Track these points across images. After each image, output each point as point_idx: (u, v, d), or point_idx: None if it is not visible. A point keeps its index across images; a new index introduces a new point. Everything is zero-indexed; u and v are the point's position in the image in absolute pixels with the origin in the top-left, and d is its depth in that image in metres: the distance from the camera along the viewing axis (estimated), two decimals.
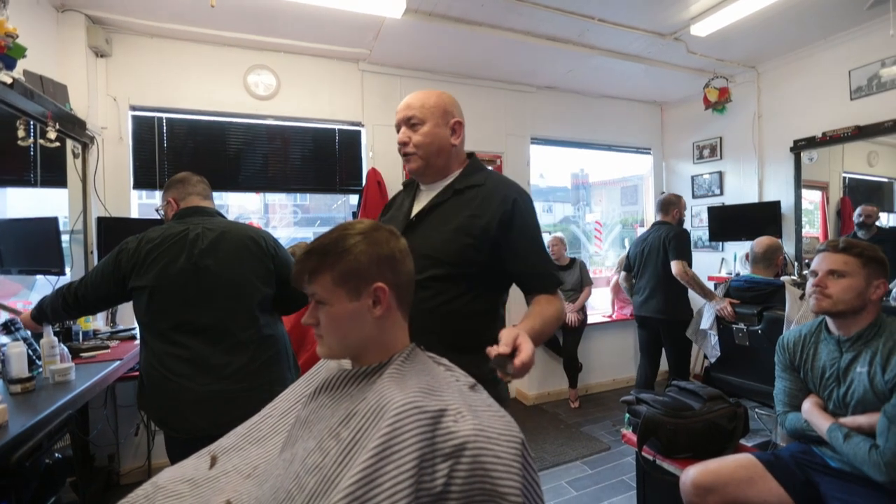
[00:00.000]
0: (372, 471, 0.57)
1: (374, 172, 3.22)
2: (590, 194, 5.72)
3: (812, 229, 3.51)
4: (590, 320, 3.79)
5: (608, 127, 4.24)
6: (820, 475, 1.41)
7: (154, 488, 0.88)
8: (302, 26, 2.79)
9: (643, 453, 1.78)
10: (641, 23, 2.92)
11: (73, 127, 2.38)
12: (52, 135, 2.14)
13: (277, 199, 4.39)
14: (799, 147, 3.40)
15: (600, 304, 4.35)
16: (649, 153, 4.52)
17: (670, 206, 3.04)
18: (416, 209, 1.22)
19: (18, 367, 1.51)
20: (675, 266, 2.78)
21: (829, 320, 1.48)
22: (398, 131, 1.22)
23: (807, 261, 3.38)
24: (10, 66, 1.87)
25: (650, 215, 4.61)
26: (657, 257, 2.91)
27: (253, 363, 1.46)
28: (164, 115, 2.86)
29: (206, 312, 1.43)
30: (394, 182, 3.35)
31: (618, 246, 5.11)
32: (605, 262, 4.93)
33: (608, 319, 4.03)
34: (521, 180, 3.88)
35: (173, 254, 1.45)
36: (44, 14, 2.41)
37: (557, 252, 3.71)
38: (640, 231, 4.71)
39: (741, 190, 3.87)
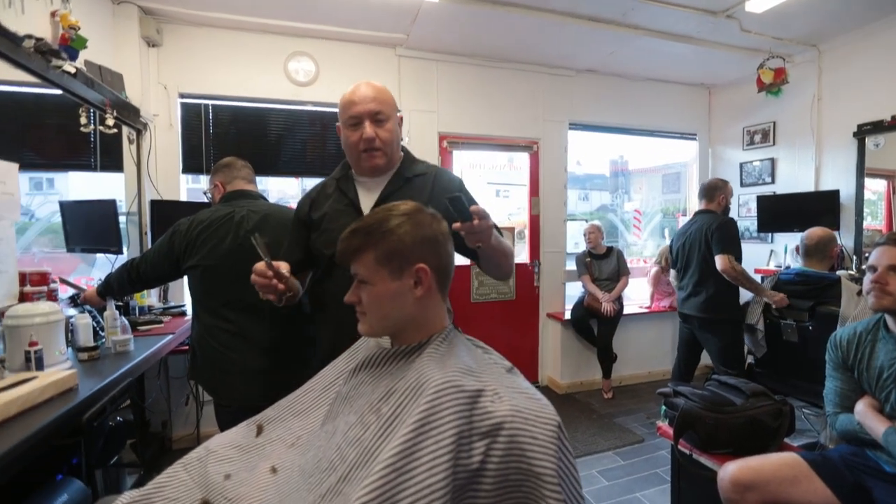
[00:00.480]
0: (412, 444, 0.59)
1: None
2: (629, 182, 5.54)
3: (874, 221, 3.26)
4: (626, 311, 3.70)
5: (651, 111, 4.08)
6: (873, 480, 1.34)
7: (206, 452, 0.94)
8: (340, 12, 2.81)
9: (679, 447, 1.74)
10: (691, 0, 2.77)
11: (129, 114, 2.51)
12: (110, 122, 2.27)
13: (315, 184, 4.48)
14: (863, 132, 3.15)
15: (637, 295, 4.23)
16: (695, 139, 4.32)
17: (715, 191, 2.74)
18: (364, 202, 1.21)
19: (85, 337, 1.64)
20: (720, 261, 2.53)
21: (888, 318, 1.39)
22: (354, 125, 1.17)
23: (866, 255, 3.16)
24: (74, 57, 1.99)
25: (693, 204, 4.42)
26: (699, 251, 2.66)
27: (295, 338, 1.54)
28: (211, 102, 2.97)
29: (251, 290, 1.50)
30: None
31: (657, 235, 4.94)
32: (643, 251, 4.79)
33: (645, 310, 3.93)
34: (559, 167, 3.80)
35: (221, 235, 1.53)
36: (101, 7, 2.53)
37: (594, 240, 3.63)
38: (683, 221, 4.53)
39: (795, 178, 3.64)
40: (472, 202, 1.19)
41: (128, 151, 2.71)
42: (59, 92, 1.99)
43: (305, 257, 1.27)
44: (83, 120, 2.27)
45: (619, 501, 2.23)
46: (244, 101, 3.03)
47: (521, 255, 3.81)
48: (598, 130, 4.07)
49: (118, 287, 1.72)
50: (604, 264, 3.61)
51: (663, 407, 1.87)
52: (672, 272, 2.98)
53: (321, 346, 1.24)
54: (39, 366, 1.38)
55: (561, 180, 3.82)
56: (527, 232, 3.82)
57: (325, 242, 1.19)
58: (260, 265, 1.05)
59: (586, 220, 4.42)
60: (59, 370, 1.37)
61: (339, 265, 1.01)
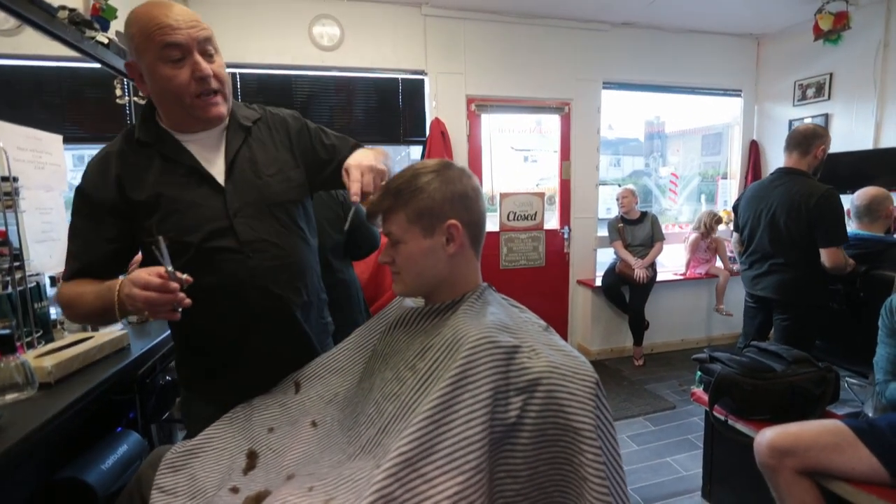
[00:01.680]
0: (449, 397, 0.60)
1: (437, 123, 3.18)
2: (665, 144, 5.29)
3: None
4: (660, 277, 3.61)
5: (692, 66, 3.82)
6: None
7: (250, 407, 0.99)
8: None
9: (714, 412, 1.72)
10: None
11: None
12: (143, 92, 2.30)
13: None
14: None
15: (672, 261, 4.11)
16: (739, 95, 4.04)
17: (813, 140, 2.07)
18: (207, 165, 0.95)
19: None
20: (829, 256, 1.97)
21: None
22: (177, 60, 0.85)
23: None
24: (105, 27, 2.01)
25: (735, 167, 4.20)
26: (785, 223, 2.06)
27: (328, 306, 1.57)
28: (238, 71, 2.97)
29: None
30: (458, 133, 3.30)
31: (694, 200, 4.73)
32: (679, 217, 4.61)
33: (680, 277, 3.82)
34: (591, 128, 3.65)
35: None
36: None
37: (628, 205, 3.51)
38: (724, 185, 4.32)
39: (851, 135, 3.37)
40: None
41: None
42: (94, 65, 2.02)
43: (117, 254, 0.96)
44: (118, 91, 2.32)
45: (649, 465, 2.24)
46: (270, 68, 3.02)
47: (551, 221, 3.74)
48: (633, 89, 3.86)
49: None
50: (637, 230, 3.51)
51: (698, 373, 1.84)
52: (735, 237, 2.49)
53: (210, 353, 1.02)
54: (94, 327, 1.46)
55: (593, 143, 3.68)
56: (557, 198, 3.73)
57: (183, 228, 0.91)
58: (154, 276, 0.77)
59: (619, 185, 4.27)
60: (112, 330, 1.45)
61: (212, 251, 0.90)
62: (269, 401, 0.99)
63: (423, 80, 3.29)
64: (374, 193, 0.85)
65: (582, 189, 3.69)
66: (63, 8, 1.69)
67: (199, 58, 0.86)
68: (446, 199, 0.78)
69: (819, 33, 3.20)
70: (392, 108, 3.25)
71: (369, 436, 0.73)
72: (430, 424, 0.58)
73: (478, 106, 3.39)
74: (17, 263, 1.23)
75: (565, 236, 3.70)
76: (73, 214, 0.95)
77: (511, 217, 3.50)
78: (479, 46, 3.32)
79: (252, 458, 0.87)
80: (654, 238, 3.50)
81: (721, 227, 3.75)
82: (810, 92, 3.61)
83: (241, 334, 0.99)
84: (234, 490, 0.79)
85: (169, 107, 0.91)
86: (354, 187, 0.84)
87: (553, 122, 3.69)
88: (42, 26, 1.60)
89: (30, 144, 1.52)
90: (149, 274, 0.77)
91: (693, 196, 4.77)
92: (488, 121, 3.50)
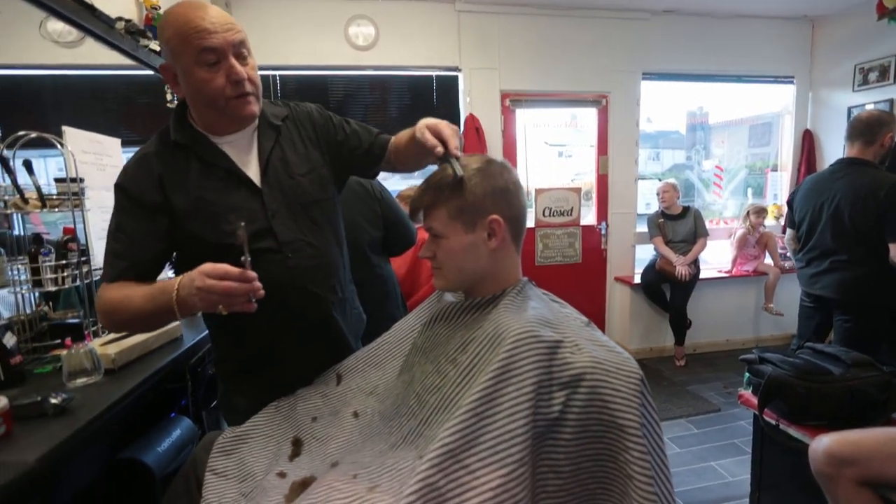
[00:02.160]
0: (492, 391, 0.60)
1: (472, 119, 3.17)
2: (709, 136, 5.05)
3: None
4: (703, 275, 3.47)
5: (739, 53, 3.63)
6: None
7: (294, 398, 1.02)
8: None
9: (765, 416, 1.64)
10: None
11: None
12: (176, 94, 2.41)
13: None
14: None
15: (716, 258, 3.94)
16: (791, 82, 3.81)
17: (879, 128, 1.92)
18: (243, 166, 0.97)
19: None
20: None
21: None
22: (213, 63, 0.86)
23: None
24: (157, 35, 2.12)
25: (786, 158, 3.96)
26: (849, 216, 1.93)
27: (365, 301, 1.59)
28: (278, 73, 3.06)
29: None
30: (492, 128, 3.28)
31: (740, 194, 4.50)
32: (724, 212, 4.40)
33: (725, 275, 3.65)
34: (630, 121, 3.55)
35: None
36: None
37: (669, 199, 3.38)
38: (773, 178, 4.09)
39: None
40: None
41: None
42: (145, 72, 2.14)
43: (165, 253, 0.96)
44: (168, 96, 2.44)
45: (692, 469, 2.16)
46: (308, 69, 3.09)
47: (588, 216, 3.66)
48: (675, 79, 3.71)
49: None
50: (679, 225, 3.38)
51: (747, 374, 1.76)
52: (789, 232, 2.34)
53: (248, 352, 1.04)
54: None
55: (632, 136, 3.57)
56: (594, 193, 3.64)
57: (225, 232, 0.90)
58: (228, 267, 0.77)
59: (659, 179, 4.12)
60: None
61: (253, 253, 0.84)
62: (311, 391, 1.03)
63: (457, 77, 3.29)
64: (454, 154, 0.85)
65: (620, 184, 3.59)
66: (120, 19, 1.80)
67: (234, 61, 0.87)
68: (487, 193, 0.78)
69: (883, 11, 2.96)
70: (426, 105, 3.27)
71: (411, 427, 0.74)
72: (473, 417, 0.59)
73: (512, 101, 3.36)
74: (83, 258, 1.33)
75: (602, 232, 3.61)
76: (118, 213, 0.93)
77: (546, 213, 3.45)
78: (514, 41, 3.29)
79: (297, 446, 0.91)
80: (696, 234, 3.37)
81: (770, 222, 3.56)
82: (872, 76, 3.36)
83: (278, 334, 1.02)
84: (282, 475, 0.82)
85: (203, 109, 0.92)
86: (453, 143, 0.87)
87: (589, 115, 3.61)
88: (102, 37, 1.71)
89: (93, 148, 1.63)
90: (223, 267, 0.77)
91: (739, 190, 4.54)
92: (523, 116, 3.46)
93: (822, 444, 1.34)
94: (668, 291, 3.39)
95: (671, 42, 3.51)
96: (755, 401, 1.64)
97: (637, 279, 3.52)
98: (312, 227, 1.02)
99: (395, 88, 3.23)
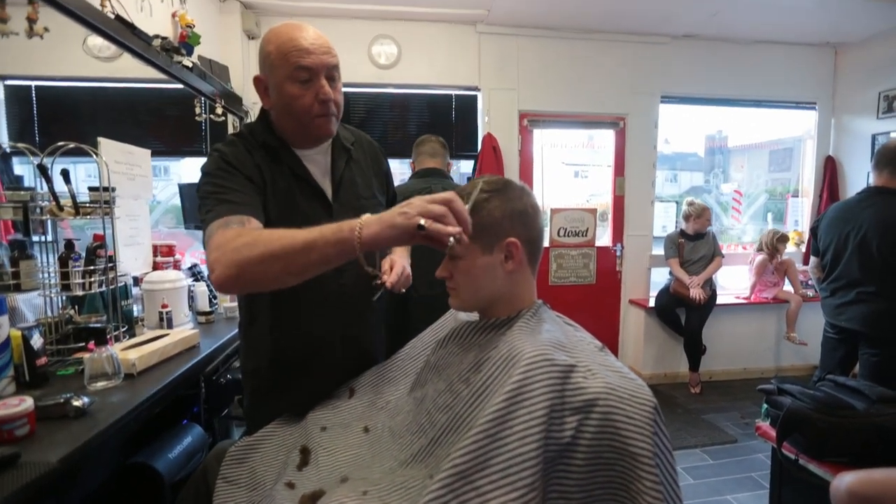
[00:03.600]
0: (504, 413, 0.60)
1: (489, 138, 3.21)
2: (728, 160, 5.01)
3: None
4: (720, 300, 3.40)
5: (760, 79, 3.62)
6: None
7: (306, 408, 1.03)
8: None
9: (783, 450, 1.59)
10: None
11: (233, 103, 2.75)
12: (219, 110, 2.51)
13: (395, 165, 4.62)
14: None
15: (734, 284, 3.87)
16: (814, 108, 3.78)
17: None
18: (321, 182, 1.02)
19: (202, 303, 1.87)
20: None
21: None
22: (305, 81, 0.91)
23: None
24: (190, 52, 2.21)
25: (808, 184, 3.91)
26: (879, 249, 1.91)
27: None
28: None
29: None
30: (509, 148, 3.31)
31: (759, 219, 4.44)
32: (742, 237, 4.34)
33: (743, 301, 3.58)
34: (647, 144, 3.54)
35: None
36: (210, 5, 2.78)
37: (702, 225, 3.29)
38: (794, 204, 4.03)
39: None
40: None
41: None
42: (176, 86, 2.23)
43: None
44: (197, 110, 2.54)
45: (707, 502, 2.10)
46: None
47: (603, 237, 3.64)
48: (694, 103, 3.72)
49: None
50: (700, 245, 3.32)
51: (764, 405, 1.71)
52: (813, 261, 2.31)
53: (287, 365, 1.06)
54: (170, 325, 1.60)
55: (649, 158, 3.56)
56: (610, 214, 3.63)
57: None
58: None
59: (676, 202, 4.09)
60: (185, 329, 1.58)
61: None
62: (323, 402, 1.04)
63: (475, 96, 3.34)
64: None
65: (636, 205, 3.58)
66: (157, 37, 1.89)
67: (324, 82, 0.93)
68: (506, 216, 0.79)
69: None
70: (445, 124, 3.33)
71: (421, 445, 0.75)
72: (485, 438, 0.59)
73: (530, 121, 3.40)
74: (110, 264, 1.37)
75: (618, 254, 3.58)
76: (224, 178, 0.91)
77: (561, 233, 3.44)
78: (533, 62, 3.34)
79: (305, 455, 0.91)
80: (714, 254, 3.32)
81: (791, 249, 3.49)
82: None
83: (317, 347, 1.06)
84: (290, 485, 0.83)
85: (286, 121, 0.97)
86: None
87: (606, 136, 3.62)
88: (139, 53, 1.79)
89: (124, 158, 1.70)
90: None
91: (759, 215, 4.47)
92: (540, 136, 3.49)
93: (845, 482, 1.30)
94: (682, 315, 3.34)
95: (690, 66, 3.53)
96: (773, 433, 1.60)
97: (652, 302, 3.47)
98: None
99: (414, 106, 3.30)
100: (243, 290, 0.95)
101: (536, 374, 0.63)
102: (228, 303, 1.96)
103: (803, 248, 3.81)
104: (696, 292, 3.15)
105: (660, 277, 3.63)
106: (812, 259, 2.31)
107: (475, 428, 0.60)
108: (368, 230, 0.69)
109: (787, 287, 3.55)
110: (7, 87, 2.38)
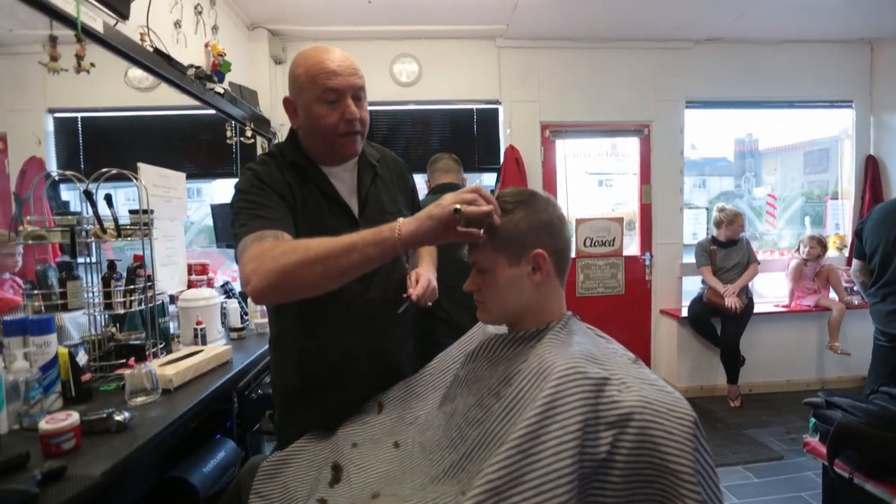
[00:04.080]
0: (537, 427, 0.59)
1: (512, 150, 3.22)
2: (759, 163, 4.86)
3: None
4: (758, 308, 3.27)
5: (790, 79, 3.52)
6: None
7: (335, 422, 1.04)
8: (442, 10, 2.88)
9: (835, 468, 1.49)
10: None
11: (262, 125, 2.86)
12: (248, 133, 2.61)
13: (418, 181, 4.66)
14: None
15: (771, 291, 3.71)
16: (850, 107, 3.63)
17: None
18: (347, 198, 1.05)
19: (234, 319, 1.92)
20: None
21: None
22: (332, 101, 0.95)
23: None
24: (221, 79, 2.32)
25: (848, 185, 3.74)
26: None
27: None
28: None
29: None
30: (532, 159, 3.30)
31: (796, 223, 4.26)
32: (778, 242, 4.17)
33: (783, 309, 3.42)
34: (674, 150, 3.48)
35: None
36: (239, 33, 2.91)
37: (735, 232, 3.18)
38: (833, 206, 3.85)
39: None
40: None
41: None
42: (209, 111, 2.34)
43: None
44: (228, 133, 2.65)
45: None
46: None
47: (631, 247, 3.56)
48: (720, 107, 3.64)
49: None
50: (733, 252, 3.20)
51: (812, 420, 1.62)
52: (856, 264, 2.27)
53: (312, 379, 1.08)
54: (204, 341, 1.64)
55: (676, 165, 3.49)
56: (637, 222, 3.56)
57: None
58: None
59: (706, 209, 3.97)
60: (218, 345, 1.62)
61: None
62: (352, 418, 1.04)
63: (497, 109, 3.37)
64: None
65: (664, 213, 3.50)
66: (191, 66, 1.99)
67: (350, 102, 0.96)
68: (532, 227, 0.78)
69: None
70: (466, 138, 3.35)
71: (452, 460, 0.74)
72: (518, 454, 0.58)
73: (552, 132, 3.39)
74: (149, 283, 1.43)
75: (647, 263, 3.50)
76: (257, 195, 0.95)
77: (588, 243, 3.39)
78: (553, 73, 3.34)
79: (337, 471, 0.91)
80: (749, 261, 3.20)
81: (832, 253, 3.32)
82: None
83: (344, 361, 1.07)
84: (322, 502, 0.83)
85: (314, 140, 1.01)
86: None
87: (630, 144, 3.57)
88: (175, 82, 1.89)
89: (161, 181, 1.78)
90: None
91: (795, 219, 4.29)
92: (563, 146, 3.47)
93: None
94: (718, 325, 3.21)
95: (716, 70, 3.46)
96: (823, 449, 1.51)
97: (684, 312, 3.36)
98: (392, 263, 1.05)
99: (436, 121, 3.34)
100: (282, 298, 0.94)
101: (568, 388, 0.62)
102: (259, 319, 2.00)
103: (846, 253, 3.63)
104: (731, 301, 3.03)
105: (692, 286, 3.52)
106: (855, 262, 2.22)
107: (507, 443, 0.59)
108: (408, 227, 0.74)
109: (833, 294, 3.38)
110: (56, 120, 2.54)
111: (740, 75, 3.48)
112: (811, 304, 3.36)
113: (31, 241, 1.30)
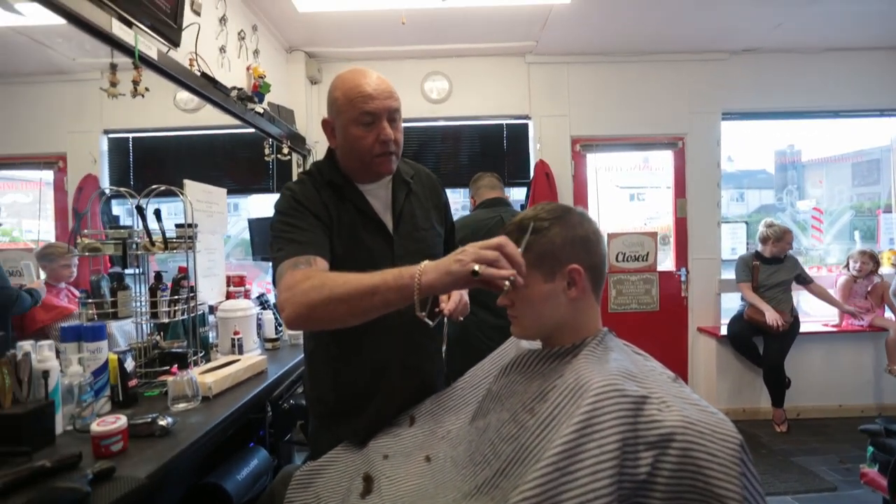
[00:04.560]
0: (574, 445, 0.58)
1: (542, 164, 3.21)
2: (802, 175, 4.66)
3: None
4: (805, 328, 3.09)
5: (833, 88, 3.37)
6: None
7: (368, 435, 1.05)
8: (472, 28, 2.93)
9: None
10: None
11: (298, 143, 2.96)
12: (285, 150, 2.71)
13: (455, 196, 4.70)
14: None
15: (818, 310, 3.51)
16: None
17: None
18: (382, 215, 1.08)
19: (269, 330, 1.97)
20: None
21: None
22: (368, 124, 0.99)
23: None
24: (261, 99, 2.43)
25: None
26: None
27: None
28: None
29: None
30: (563, 173, 3.29)
31: (845, 237, 4.03)
32: (826, 258, 3.96)
33: (833, 329, 3.22)
34: (710, 163, 3.38)
35: (495, 234, 1.75)
36: (278, 56, 3.05)
37: (782, 249, 3.04)
38: (886, 219, 3.64)
39: None
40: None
41: (296, 174, 3.18)
42: (249, 130, 2.45)
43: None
44: (266, 151, 2.76)
45: None
46: None
47: (666, 262, 3.46)
48: (760, 118, 3.52)
49: None
50: (779, 270, 3.06)
51: (870, 448, 1.51)
52: None
53: (349, 392, 1.09)
54: (240, 350, 1.69)
55: (713, 178, 3.39)
56: (672, 237, 3.46)
57: (360, 266, 0.87)
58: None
59: (746, 222, 3.83)
60: (253, 355, 1.67)
61: None
62: (384, 430, 1.05)
63: (526, 125, 3.37)
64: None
65: (701, 227, 3.39)
66: (234, 88, 2.10)
67: (386, 124, 1.00)
68: (567, 243, 0.78)
69: None
70: (496, 153, 3.37)
71: (485, 476, 0.73)
72: (555, 472, 0.56)
73: (583, 146, 3.36)
74: (191, 294, 1.50)
75: (682, 279, 3.38)
76: (294, 217, 0.99)
77: (620, 258, 3.32)
78: (584, 88, 3.33)
79: (368, 483, 0.91)
80: (801, 280, 3.07)
81: (887, 269, 3.12)
82: None
83: (378, 375, 1.08)
84: None
85: (350, 160, 1.05)
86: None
87: (662, 157, 3.50)
88: (219, 103, 2.00)
89: (204, 197, 1.87)
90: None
91: (844, 233, 4.07)
92: (593, 160, 3.44)
93: None
94: (760, 344, 3.06)
95: (753, 81, 3.36)
96: (883, 481, 1.40)
97: (724, 330, 3.22)
98: None
99: (466, 137, 3.38)
100: (311, 328, 1.04)
101: (606, 406, 0.60)
102: (292, 330, 2.05)
103: None
104: (772, 316, 2.88)
105: (731, 304, 3.37)
106: None
107: (543, 460, 0.58)
108: (427, 277, 0.75)
109: (889, 314, 3.16)
110: (110, 140, 2.73)
111: (779, 85, 3.37)
112: (865, 324, 3.15)
113: (87, 253, 1.39)
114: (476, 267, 0.70)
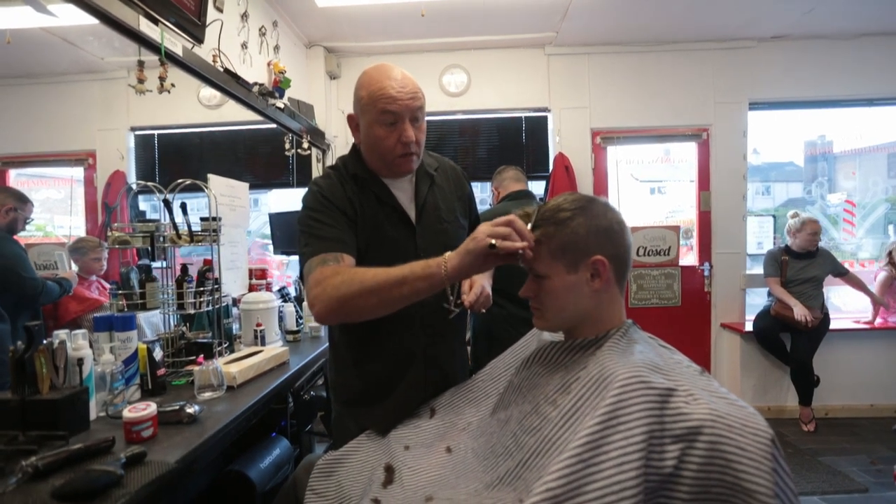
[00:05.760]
0: (599, 437, 0.57)
1: (561, 157, 3.17)
2: (833, 167, 4.49)
3: None
4: (836, 324, 2.99)
5: (868, 75, 3.23)
6: None
7: (390, 424, 1.06)
8: (491, 20, 2.90)
9: None
10: None
11: (317, 137, 2.99)
12: (305, 145, 2.74)
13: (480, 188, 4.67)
14: None
15: (851, 306, 3.39)
16: None
17: None
18: (406, 204, 1.09)
19: (290, 322, 2.00)
20: None
21: None
22: (391, 123, 1.00)
23: None
24: (282, 95, 2.46)
25: None
26: None
27: None
28: None
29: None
30: (582, 166, 3.24)
31: (879, 231, 3.87)
32: (858, 252, 3.81)
33: (866, 326, 3.11)
34: (735, 155, 3.28)
35: None
36: (298, 52, 3.08)
37: (812, 242, 2.94)
38: None
39: None
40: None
41: (315, 168, 3.23)
42: (269, 125, 2.48)
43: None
44: (286, 146, 2.79)
45: None
46: None
47: (689, 257, 3.39)
48: (789, 107, 3.40)
49: None
50: (810, 265, 2.95)
51: None
52: None
53: (371, 380, 1.11)
54: (263, 342, 1.73)
55: (738, 171, 3.29)
56: (695, 231, 3.38)
57: (384, 262, 0.91)
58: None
59: (773, 216, 3.71)
60: (275, 347, 1.70)
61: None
62: (405, 421, 1.05)
63: (546, 117, 3.33)
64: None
65: (726, 221, 3.30)
66: (256, 84, 2.12)
67: (408, 125, 1.01)
68: (591, 233, 0.77)
69: None
70: (515, 146, 3.34)
71: (508, 468, 0.73)
72: (579, 463, 0.56)
73: (603, 139, 3.31)
74: (216, 286, 1.53)
75: (706, 273, 3.31)
76: (320, 213, 1.02)
77: (641, 252, 3.26)
78: (604, 79, 3.27)
79: (390, 473, 0.92)
80: (836, 272, 2.98)
81: None
82: None
83: (401, 365, 1.10)
84: (376, 501, 0.84)
85: (372, 156, 1.07)
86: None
87: (684, 150, 3.41)
88: (241, 99, 2.03)
89: (227, 191, 1.91)
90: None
91: (878, 227, 3.91)
92: (614, 153, 3.38)
93: None
94: (787, 341, 2.97)
95: (782, 69, 3.24)
96: None
97: (749, 326, 3.14)
98: None
99: (484, 130, 3.36)
100: (343, 321, 1.06)
101: (632, 397, 0.59)
102: (313, 322, 2.08)
103: None
104: (801, 311, 2.79)
105: (757, 299, 3.28)
106: None
107: (567, 451, 0.57)
108: (452, 262, 0.80)
109: None
110: (136, 137, 2.81)
111: (810, 73, 3.24)
112: None
113: (117, 246, 1.43)
114: (492, 241, 0.75)
